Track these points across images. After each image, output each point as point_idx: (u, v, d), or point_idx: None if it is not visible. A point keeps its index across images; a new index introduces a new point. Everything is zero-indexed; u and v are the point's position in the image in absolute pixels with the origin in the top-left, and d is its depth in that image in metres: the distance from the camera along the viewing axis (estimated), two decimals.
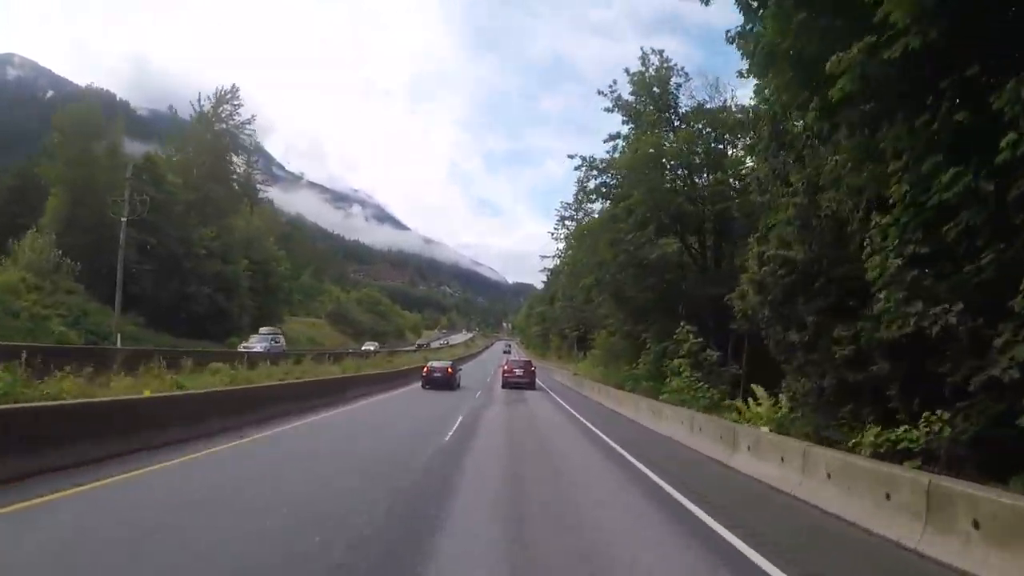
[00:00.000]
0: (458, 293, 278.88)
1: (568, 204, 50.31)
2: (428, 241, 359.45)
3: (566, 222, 55.97)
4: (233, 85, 58.58)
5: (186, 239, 43.09)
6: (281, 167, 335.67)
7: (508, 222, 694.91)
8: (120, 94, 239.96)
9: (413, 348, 78.44)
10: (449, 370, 30.35)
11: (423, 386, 29.37)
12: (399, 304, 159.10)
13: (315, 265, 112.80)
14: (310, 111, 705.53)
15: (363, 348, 60.04)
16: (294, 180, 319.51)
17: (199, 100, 56.35)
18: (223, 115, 55.96)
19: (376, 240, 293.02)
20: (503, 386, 32.13)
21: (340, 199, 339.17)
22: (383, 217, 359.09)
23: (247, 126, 58.01)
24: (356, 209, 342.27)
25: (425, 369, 30.89)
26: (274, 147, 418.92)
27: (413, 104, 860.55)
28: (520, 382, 32.43)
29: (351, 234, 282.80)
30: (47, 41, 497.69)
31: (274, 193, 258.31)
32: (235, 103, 56.84)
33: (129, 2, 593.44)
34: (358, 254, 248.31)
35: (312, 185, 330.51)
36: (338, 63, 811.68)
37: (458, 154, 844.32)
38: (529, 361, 38.75)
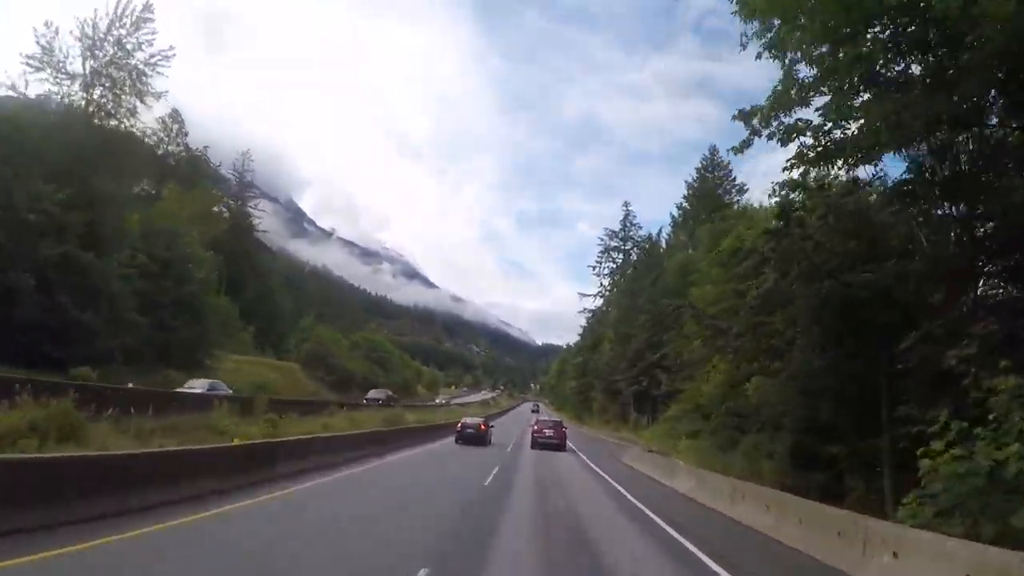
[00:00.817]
0: (485, 352, 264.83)
1: (614, 232, 41.28)
2: (456, 299, 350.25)
3: (611, 253, 47.49)
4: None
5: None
6: (312, 222, 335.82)
7: (538, 284, 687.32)
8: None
9: (438, 403, 78.39)
10: (482, 426, 31.51)
11: (456, 441, 30.31)
12: (420, 359, 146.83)
13: (322, 311, 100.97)
14: (343, 168, 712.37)
15: (368, 397, 49.70)
16: (323, 236, 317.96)
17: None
18: (123, 39, 33.31)
19: (404, 297, 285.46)
20: (532, 446, 30.87)
21: (369, 255, 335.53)
22: (411, 274, 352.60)
23: (161, 63, 34.14)
24: (385, 266, 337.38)
25: (459, 425, 31.84)
26: (306, 203, 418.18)
27: (445, 163, 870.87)
28: (549, 443, 31.00)
29: (379, 290, 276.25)
30: None
31: (302, 247, 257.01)
32: (144, 31, 33.80)
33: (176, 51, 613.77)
34: (384, 309, 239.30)
35: (343, 241, 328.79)
36: (371, 121, 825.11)
37: (489, 214, 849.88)
38: (560, 422, 38.27)
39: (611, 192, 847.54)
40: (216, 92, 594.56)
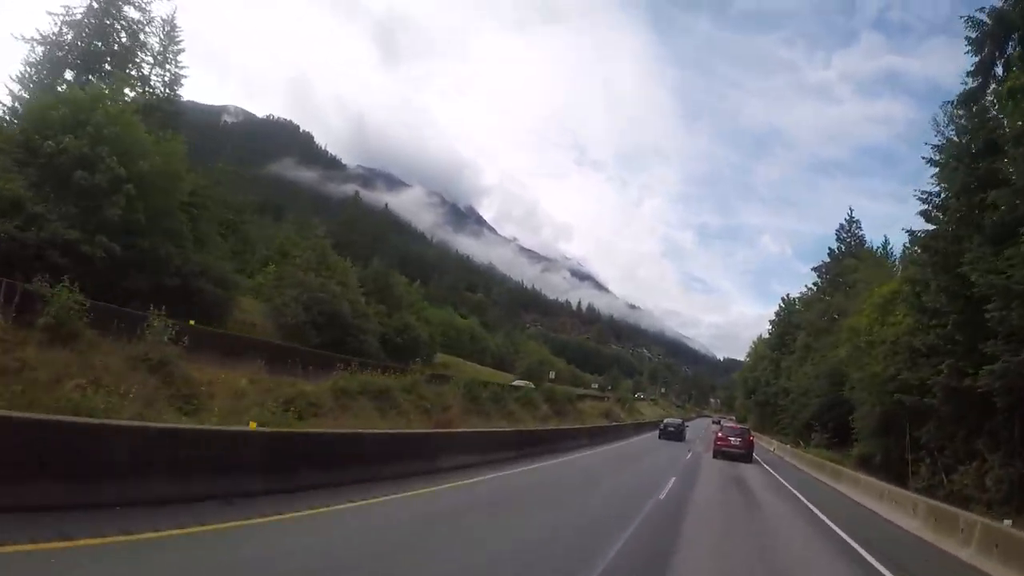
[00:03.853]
0: (659, 358, 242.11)
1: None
2: (632, 307, 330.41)
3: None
4: None
5: None
6: (493, 230, 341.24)
7: (719, 300, 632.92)
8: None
9: None
10: (682, 424, 47.13)
11: (659, 436, 43.09)
12: (567, 357, 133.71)
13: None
14: (523, 179, 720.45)
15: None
16: (504, 242, 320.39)
17: None
18: None
19: (573, 300, 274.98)
20: (714, 456, 30.35)
21: (549, 264, 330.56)
22: (583, 276, 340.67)
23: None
24: (556, 268, 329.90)
25: (662, 424, 46.94)
26: (486, 211, 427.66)
27: (625, 175, 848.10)
28: (734, 452, 29.99)
29: (548, 292, 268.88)
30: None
31: (469, 243, 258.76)
32: None
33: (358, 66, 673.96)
34: (540, 305, 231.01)
35: (522, 250, 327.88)
36: (551, 130, 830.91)
37: (669, 228, 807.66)
38: (747, 428, 36.71)
39: (792, 206, 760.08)
40: (397, 101, 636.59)
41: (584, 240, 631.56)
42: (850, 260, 40.84)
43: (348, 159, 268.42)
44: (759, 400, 67.54)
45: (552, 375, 67.46)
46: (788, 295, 65.21)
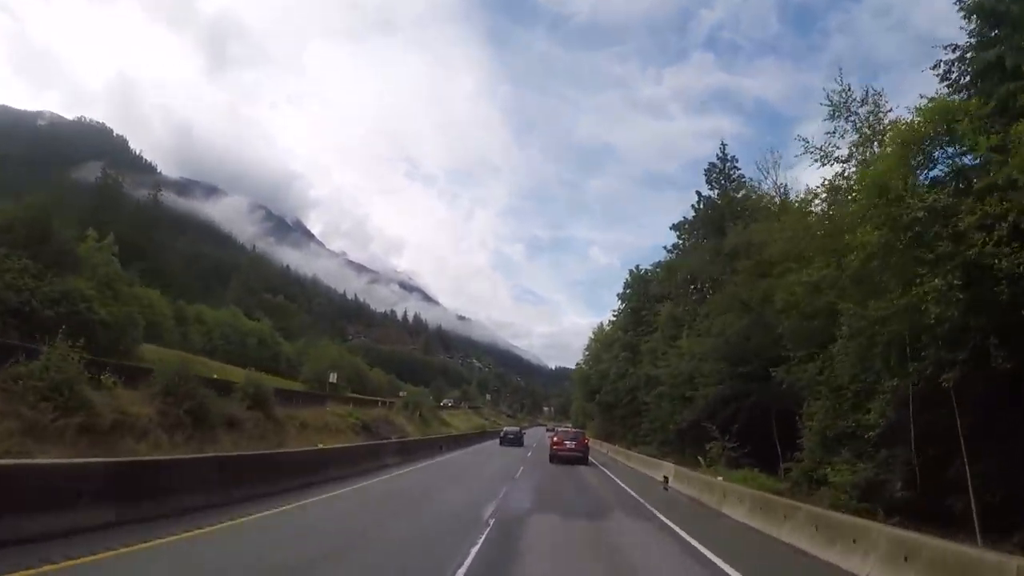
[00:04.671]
0: (490, 368, 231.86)
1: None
2: (462, 318, 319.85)
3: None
4: None
5: None
6: (321, 243, 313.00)
7: (550, 311, 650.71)
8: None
9: None
10: (520, 432, 51.11)
11: (500, 443, 46.16)
12: (393, 370, 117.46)
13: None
14: (353, 192, 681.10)
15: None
16: (330, 256, 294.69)
17: None
18: None
19: (400, 312, 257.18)
20: (551, 460, 30.80)
21: (376, 277, 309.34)
22: (411, 288, 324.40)
23: None
24: (383, 280, 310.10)
25: (503, 431, 51.33)
26: (314, 225, 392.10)
27: (457, 188, 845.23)
28: (571, 455, 30.57)
29: (375, 304, 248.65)
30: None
31: (297, 257, 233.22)
32: None
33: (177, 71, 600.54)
34: (364, 316, 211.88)
35: (349, 263, 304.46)
36: (384, 144, 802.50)
37: (500, 241, 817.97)
38: (581, 431, 38.07)
39: (620, 219, 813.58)
40: (223, 111, 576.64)
41: (415, 254, 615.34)
42: (743, 193, 30.14)
43: (170, 170, 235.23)
44: (605, 401, 53.37)
45: (333, 377, 51.29)
46: (637, 267, 54.30)
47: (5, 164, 49.96)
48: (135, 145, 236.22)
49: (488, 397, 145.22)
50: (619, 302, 56.72)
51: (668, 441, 32.60)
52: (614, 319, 59.91)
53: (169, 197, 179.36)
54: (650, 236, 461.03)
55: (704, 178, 35.41)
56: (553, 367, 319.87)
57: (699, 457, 23.83)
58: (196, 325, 64.68)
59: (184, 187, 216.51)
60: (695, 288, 33.88)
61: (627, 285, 53.48)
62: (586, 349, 75.22)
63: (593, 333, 69.95)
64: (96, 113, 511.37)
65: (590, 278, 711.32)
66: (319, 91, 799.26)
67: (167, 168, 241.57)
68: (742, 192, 30.67)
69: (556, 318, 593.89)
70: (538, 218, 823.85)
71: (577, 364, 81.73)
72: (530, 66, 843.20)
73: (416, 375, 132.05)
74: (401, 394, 65.12)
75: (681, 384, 29.62)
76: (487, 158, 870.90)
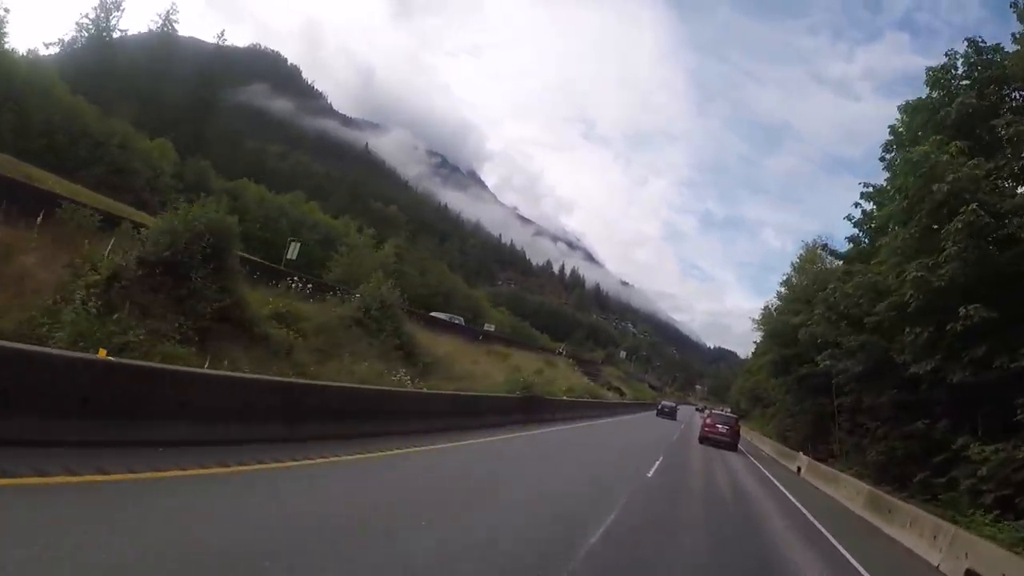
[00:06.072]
0: (646, 335, 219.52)
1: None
2: (625, 284, 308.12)
3: None
4: None
5: None
6: (494, 196, 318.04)
7: (714, 288, 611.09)
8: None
9: None
10: (675, 406, 60.37)
11: (657, 415, 53.37)
12: (542, 326, 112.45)
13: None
14: (528, 148, 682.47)
15: None
16: (499, 206, 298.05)
17: None
18: None
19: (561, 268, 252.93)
20: (700, 441, 29.93)
21: (541, 230, 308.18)
22: (574, 246, 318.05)
23: None
24: (553, 239, 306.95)
25: (660, 405, 59.78)
26: (488, 177, 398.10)
27: (632, 154, 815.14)
28: (721, 440, 29.49)
29: (535, 257, 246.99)
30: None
31: (463, 201, 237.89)
32: None
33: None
34: (521, 265, 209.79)
35: (520, 217, 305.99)
36: (561, 102, 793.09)
37: (673, 212, 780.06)
38: (736, 418, 34.96)
39: (796, 204, 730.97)
40: (404, 59, 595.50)
41: (584, 216, 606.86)
42: None
43: (345, 110, 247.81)
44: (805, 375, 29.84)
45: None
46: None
47: (176, 84, 53.11)
48: (309, 75, 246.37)
49: (623, 355, 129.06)
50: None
51: None
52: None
53: (336, 127, 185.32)
54: (824, 223, 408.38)
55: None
56: (711, 346, 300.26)
57: None
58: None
59: (355, 123, 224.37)
60: None
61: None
62: (764, 307, 50.96)
63: (784, 278, 45.40)
64: (288, 54, 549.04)
65: (759, 260, 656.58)
66: (499, 43, 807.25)
67: (345, 109, 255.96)
68: None
69: (720, 297, 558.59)
70: (713, 192, 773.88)
71: (733, 351, 66.20)
72: (716, 32, 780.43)
73: (559, 329, 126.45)
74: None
75: None
76: (665, 125, 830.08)
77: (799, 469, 24.49)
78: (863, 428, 22.37)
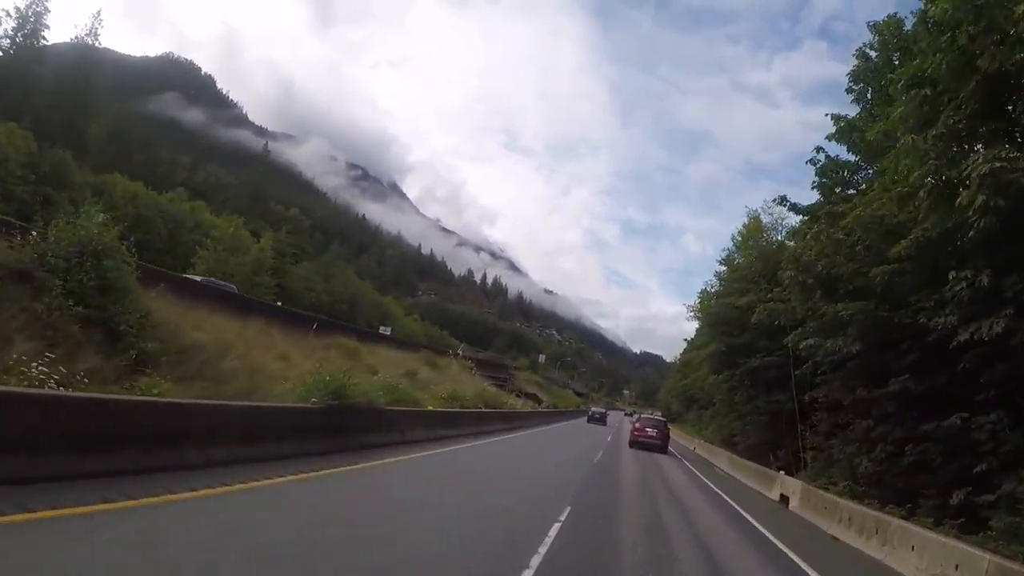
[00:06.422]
0: (571, 342, 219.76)
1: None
2: (549, 292, 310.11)
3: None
4: None
5: None
6: (415, 208, 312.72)
7: (638, 294, 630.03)
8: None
9: None
10: (604, 411, 63.01)
11: (587, 421, 55.26)
12: (463, 336, 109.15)
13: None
14: (450, 160, 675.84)
15: None
16: (421, 218, 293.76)
17: None
18: None
19: (487, 278, 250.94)
20: (630, 445, 30.29)
21: (464, 241, 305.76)
22: (498, 256, 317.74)
23: None
24: (474, 249, 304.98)
25: (591, 411, 62.85)
26: (410, 188, 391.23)
27: (554, 164, 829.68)
28: (651, 443, 30.03)
29: (458, 268, 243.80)
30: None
31: (382, 212, 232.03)
32: None
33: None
34: (442, 276, 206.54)
35: (445, 231, 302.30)
36: (483, 112, 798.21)
37: (595, 220, 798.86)
38: (664, 421, 36.42)
39: (718, 207, 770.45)
40: (325, 70, 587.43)
41: (508, 226, 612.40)
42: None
43: (265, 123, 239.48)
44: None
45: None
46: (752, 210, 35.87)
47: (90, 93, 49.69)
48: (224, 86, 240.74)
49: (543, 360, 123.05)
50: None
51: None
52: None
53: (249, 138, 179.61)
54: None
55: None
56: (637, 351, 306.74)
57: None
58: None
59: (271, 134, 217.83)
60: None
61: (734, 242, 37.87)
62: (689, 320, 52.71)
63: (697, 298, 46.34)
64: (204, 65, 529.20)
65: (681, 266, 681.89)
66: (422, 54, 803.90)
67: (263, 120, 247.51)
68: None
69: (644, 303, 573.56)
70: (635, 200, 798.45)
71: (659, 355, 67.44)
72: (638, 44, 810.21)
73: (482, 338, 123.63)
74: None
75: None
76: (587, 135, 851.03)
77: (785, 500, 17.00)
78: (848, 429, 16.98)
